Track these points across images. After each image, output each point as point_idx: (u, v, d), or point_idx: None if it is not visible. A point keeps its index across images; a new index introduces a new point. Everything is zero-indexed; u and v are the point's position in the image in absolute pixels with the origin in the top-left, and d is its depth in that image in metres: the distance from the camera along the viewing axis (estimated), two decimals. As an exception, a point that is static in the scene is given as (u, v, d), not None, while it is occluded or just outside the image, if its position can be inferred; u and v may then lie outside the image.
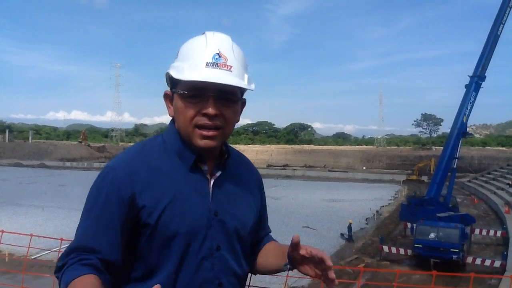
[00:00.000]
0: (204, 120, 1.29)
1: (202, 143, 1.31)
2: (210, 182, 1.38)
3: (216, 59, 1.26)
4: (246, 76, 1.33)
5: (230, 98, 1.31)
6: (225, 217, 1.37)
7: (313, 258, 1.30)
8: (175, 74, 1.29)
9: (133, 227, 1.30)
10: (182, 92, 1.30)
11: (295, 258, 1.37)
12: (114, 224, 1.28)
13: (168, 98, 1.41)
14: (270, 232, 1.68)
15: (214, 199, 1.36)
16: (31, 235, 6.80)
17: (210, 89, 1.27)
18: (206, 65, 1.26)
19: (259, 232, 1.58)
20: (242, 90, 1.36)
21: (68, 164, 75.69)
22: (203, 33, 1.33)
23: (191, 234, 1.30)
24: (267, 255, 1.55)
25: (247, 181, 1.52)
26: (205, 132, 1.30)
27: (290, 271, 1.47)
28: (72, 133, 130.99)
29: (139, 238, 1.31)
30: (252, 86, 1.34)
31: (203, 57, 1.27)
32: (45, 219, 26.73)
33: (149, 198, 1.29)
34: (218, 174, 1.40)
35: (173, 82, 1.33)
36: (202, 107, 1.28)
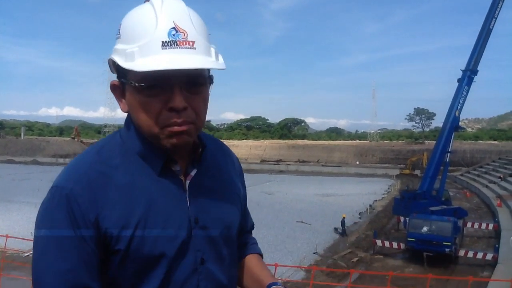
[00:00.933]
0: (172, 117, 1.02)
1: (173, 140, 1.05)
2: (185, 184, 1.14)
3: (173, 35, 0.97)
4: (212, 50, 1.05)
5: (198, 82, 1.05)
6: (207, 222, 1.14)
7: None
8: (123, 63, 1.00)
9: (102, 255, 1.05)
10: (137, 84, 1.00)
11: None
12: (91, 250, 1.03)
13: (117, 90, 1.10)
14: (253, 224, 1.48)
15: (193, 204, 1.13)
16: (7, 236, 6.78)
17: (173, 76, 0.99)
18: (162, 45, 0.97)
19: (243, 226, 1.37)
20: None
21: (61, 160, 75.21)
22: (148, 0, 1.03)
23: (171, 253, 1.08)
24: (244, 272, 1.34)
25: (227, 170, 1.27)
26: (176, 128, 1.03)
27: None
28: (65, 129, 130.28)
29: (108, 265, 1.07)
30: (222, 64, 1.05)
31: (156, 35, 0.97)
32: (38, 215, 26.58)
33: (115, 219, 1.03)
34: (193, 172, 1.16)
35: (120, 70, 1.04)
36: (166, 100, 1.01)
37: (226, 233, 1.19)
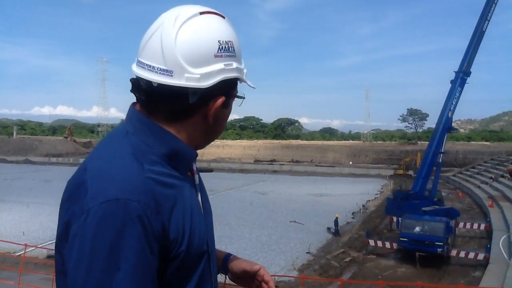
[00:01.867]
0: None
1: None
2: (196, 181, 1.20)
3: None
4: None
5: None
6: (208, 216, 1.23)
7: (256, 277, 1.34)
8: (243, 77, 1.15)
9: (162, 263, 1.01)
10: (238, 97, 1.18)
11: (240, 271, 1.37)
12: (156, 265, 0.98)
13: (226, 105, 1.15)
14: None
15: (201, 201, 1.21)
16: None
17: None
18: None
19: None
20: None
21: (53, 159, 74.99)
22: (223, 17, 1.11)
23: (205, 249, 1.13)
24: None
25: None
26: None
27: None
28: (57, 128, 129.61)
29: (164, 272, 1.03)
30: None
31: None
32: (30, 215, 26.43)
33: (175, 225, 1.01)
34: (194, 168, 1.23)
35: (234, 87, 1.15)
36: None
37: (212, 225, 1.27)
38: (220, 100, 1.08)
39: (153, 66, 1.03)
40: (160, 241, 0.97)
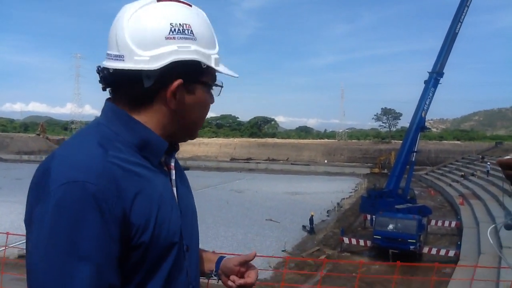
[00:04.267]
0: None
1: (195, 136, 1.21)
2: (171, 176, 1.17)
3: None
4: None
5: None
6: (187, 212, 1.19)
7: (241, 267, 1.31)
8: (216, 66, 1.12)
9: (124, 252, 0.99)
10: (213, 84, 1.16)
11: (230, 270, 1.32)
12: (116, 250, 0.96)
13: (182, 89, 1.09)
14: None
15: (178, 195, 1.17)
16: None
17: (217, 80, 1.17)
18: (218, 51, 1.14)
19: None
20: None
21: (25, 157, 73.21)
22: (189, 5, 1.10)
23: (177, 240, 1.09)
24: None
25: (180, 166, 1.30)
26: None
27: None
28: (30, 125, 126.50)
29: (127, 261, 1.00)
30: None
31: (215, 41, 1.14)
32: (1, 214, 25.79)
33: (138, 213, 0.99)
34: (173, 163, 1.18)
35: (197, 72, 1.09)
36: (212, 98, 1.18)
37: (196, 223, 1.25)
38: (176, 83, 1.06)
39: (110, 54, 1.06)
40: (121, 226, 0.95)
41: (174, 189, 1.16)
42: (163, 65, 1.03)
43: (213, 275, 1.35)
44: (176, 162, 1.21)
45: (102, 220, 0.92)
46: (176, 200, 1.14)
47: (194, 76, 1.09)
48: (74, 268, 0.88)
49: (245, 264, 1.32)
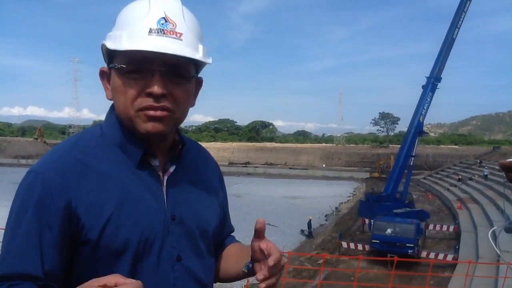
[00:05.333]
0: (149, 102, 1.03)
1: (149, 126, 1.04)
2: (163, 180, 1.13)
3: (162, 24, 1.01)
4: (201, 47, 1.08)
5: (180, 73, 1.06)
6: (184, 218, 1.13)
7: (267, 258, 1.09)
8: (111, 45, 1.03)
9: (70, 245, 1.02)
10: (119, 66, 1.03)
11: (256, 253, 1.13)
12: (52, 239, 0.99)
13: (105, 76, 1.12)
14: (233, 230, 1.45)
15: (170, 200, 1.12)
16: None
17: (155, 62, 1.01)
18: (149, 32, 1.00)
19: (222, 230, 1.35)
20: (197, 66, 1.12)
21: (23, 161, 73.00)
22: None
23: (144, 247, 1.05)
24: (228, 260, 1.32)
25: (207, 174, 1.27)
26: (151, 112, 1.04)
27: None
28: (27, 129, 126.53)
29: (76, 258, 1.03)
30: (209, 60, 1.10)
31: (145, 23, 1.01)
32: (-3, 218, 25.70)
33: (88, 207, 1.01)
34: (172, 169, 1.15)
35: (110, 56, 1.07)
36: (145, 85, 1.03)
37: (203, 230, 1.18)
38: (100, 70, 1.13)
39: None
40: (64, 217, 1.00)
41: (164, 193, 1.12)
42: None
43: (248, 266, 1.18)
44: (180, 170, 1.17)
45: (39, 207, 0.99)
46: (164, 204, 1.10)
47: (108, 61, 1.10)
48: (15, 237, 0.99)
49: (261, 236, 1.14)
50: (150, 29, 1.00)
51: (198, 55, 1.05)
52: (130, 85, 1.03)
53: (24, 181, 1.03)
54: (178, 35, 1.02)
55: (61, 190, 1.00)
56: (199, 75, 1.15)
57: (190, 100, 1.12)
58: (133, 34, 1.01)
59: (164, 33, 1.01)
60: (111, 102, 1.15)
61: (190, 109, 1.15)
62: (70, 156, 1.05)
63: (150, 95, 1.03)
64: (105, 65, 1.12)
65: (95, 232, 1.01)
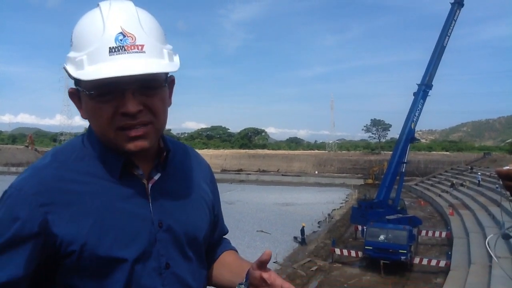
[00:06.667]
0: (125, 121, 1.00)
1: (132, 146, 1.02)
2: (147, 188, 1.11)
3: (121, 40, 0.96)
4: (165, 51, 1.02)
5: (152, 85, 1.02)
6: (172, 225, 1.11)
7: None
8: (74, 71, 0.98)
9: (50, 259, 1.02)
10: (88, 92, 0.99)
11: (255, 279, 1.11)
12: (21, 254, 0.99)
13: (75, 97, 1.07)
14: (227, 232, 1.43)
15: (156, 207, 1.10)
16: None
17: (123, 83, 0.97)
18: (110, 51, 0.95)
19: (214, 232, 1.33)
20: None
21: (13, 169, 72.29)
22: (97, 5, 1.01)
23: (131, 257, 1.04)
24: (223, 268, 1.31)
25: (195, 177, 1.24)
26: (132, 133, 1.01)
27: None
28: (18, 136, 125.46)
29: (59, 268, 1.03)
30: (175, 65, 1.03)
31: (104, 42, 0.95)
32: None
33: (67, 222, 1.00)
34: (156, 177, 1.13)
35: (75, 79, 1.02)
36: (118, 105, 0.99)
37: (192, 237, 1.16)
38: (68, 90, 1.08)
39: None
40: (41, 233, 0.99)
41: (150, 201, 1.10)
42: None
43: (241, 287, 1.16)
44: (166, 176, 1.15)
45: (12, 223, 0.98)
46: (150, 213, 1.09)
47: (76, 84, 1.04)
48: None
49: (263, 267, 1.11)
50: (110, 48, 0.95)
51: (164, 62, 1.01)
52: (103, 108, 1.00)
53: (1, 197, 1.03)
54: (140, 47, 0.97)
55: (38, 206, 0.99)
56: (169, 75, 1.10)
57: (166, 105, 1.09)
58: (94, 58, 0.96)
59: (125, 49, 0.96)
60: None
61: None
62: (48, 171, 1.04)
63: (125, 114, 0.99)
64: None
65: (76, 245, 1.00)
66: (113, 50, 0.95)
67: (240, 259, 1.33)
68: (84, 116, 1.07)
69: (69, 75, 1.02)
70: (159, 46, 1.01)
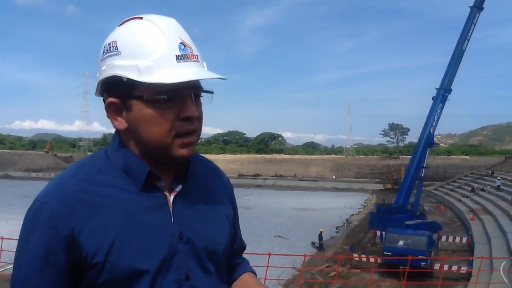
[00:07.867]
0: (186, 126, 1.05)
1: (184, 152, 1.06)
2: (169, 200, 1.13)
3: (183, 49, 1.02)
4: (205, 64, 1.10)
5: (200, 93, 1.08)
6: (192, 237, 1.12)
7: None
8: (138, 77, 0.99)
9: (76, 271, 1.04)
10: (155, 97, 1.01)
11: None
12: (54, 268, 1.02)
13: (112, 107, 1.08)
14: (245, 247, 1.45)
15: (177, 219, 1.11)
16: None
17: (184, 88, 1.02)
18: (177, 59, 1.01)
19: (232, 246, 1.34)
20: None
21: (33, 174, 73.62)
22: (140, 18, 1.05)
23: (153, 268, 1.06)
24: (244, 286, 1.34)
25: (216, 190, 1.26)
26: (186, 140, 1.06)
27: None
28: (38, 142, 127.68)
29: (85, 280, 1.05)
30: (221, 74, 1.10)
31: (170, 49, 1.01)
32: (10, 231, 25.74)
33: (91, 234, 1.02)
34: (178, 188, 1.14)
35: (127, 86, 1.03)
36: (179, 110, 1.03)
37: (212, 250, 1.16)
38: (106, 103, 1.08)
39: None
40: (68, 246, 1.01)
41: (171, 213, 1.11)
42: (98, 86, 1.10)
43: None
44: (187, 188, 1.16)
45: (45, 237, 1.01)
46: (171, 224, 1.10)
47: (124, 92, 1.04)
48: (19, 271, 1.04)
49: None
50: (177, 56, 1.01)
51: (212, 72, 1.06)
52: (164, 113, 1.03)
53: (29, 211, 1.06)
54: (196, 57, 1.05)
55: (64, 218, 1.02)
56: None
57: None
58: (162, 64, 1.00)
59: (188, 58, 1.03)
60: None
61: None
62: (72, 183, 1.06)
63: (187, 119, 1.05)
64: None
65: (100, 257, 1.02)
66: (179, 57, 1.01)
67: (260, 284, 1.35)
68: (122, 127, 1.09)
69: (117, 83, 1.03)
70: (202, 59, 1.09)
